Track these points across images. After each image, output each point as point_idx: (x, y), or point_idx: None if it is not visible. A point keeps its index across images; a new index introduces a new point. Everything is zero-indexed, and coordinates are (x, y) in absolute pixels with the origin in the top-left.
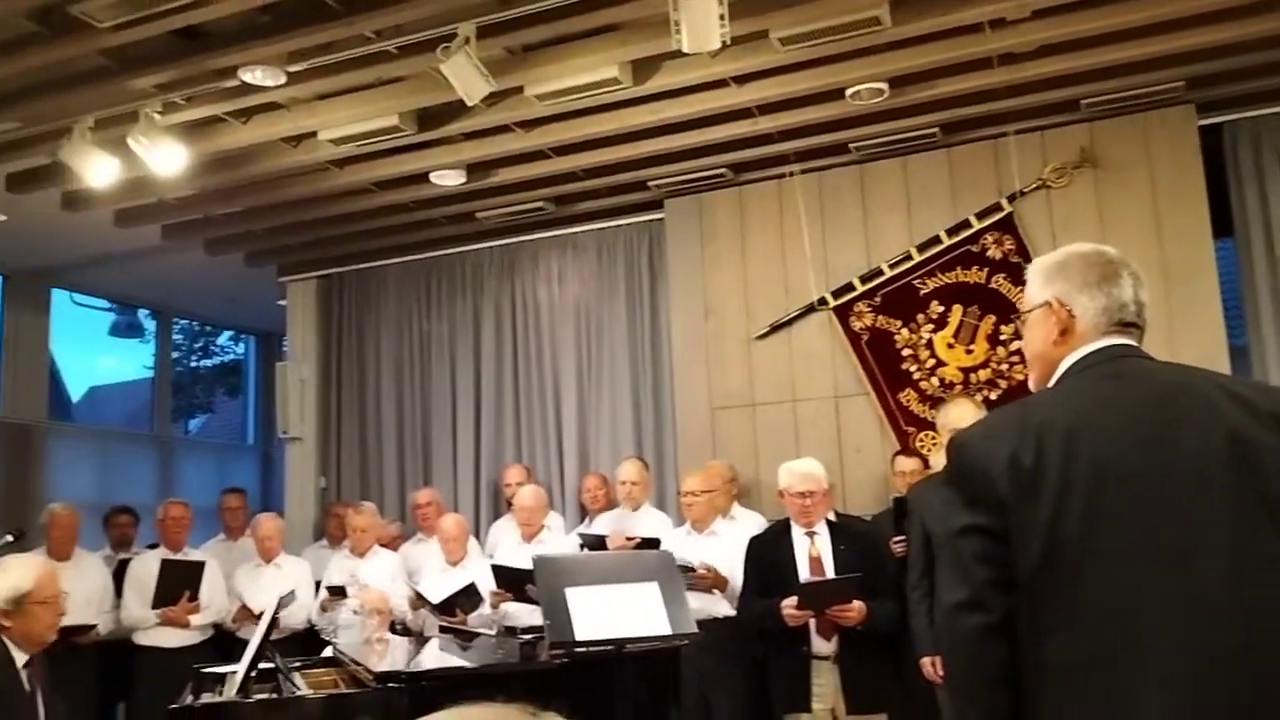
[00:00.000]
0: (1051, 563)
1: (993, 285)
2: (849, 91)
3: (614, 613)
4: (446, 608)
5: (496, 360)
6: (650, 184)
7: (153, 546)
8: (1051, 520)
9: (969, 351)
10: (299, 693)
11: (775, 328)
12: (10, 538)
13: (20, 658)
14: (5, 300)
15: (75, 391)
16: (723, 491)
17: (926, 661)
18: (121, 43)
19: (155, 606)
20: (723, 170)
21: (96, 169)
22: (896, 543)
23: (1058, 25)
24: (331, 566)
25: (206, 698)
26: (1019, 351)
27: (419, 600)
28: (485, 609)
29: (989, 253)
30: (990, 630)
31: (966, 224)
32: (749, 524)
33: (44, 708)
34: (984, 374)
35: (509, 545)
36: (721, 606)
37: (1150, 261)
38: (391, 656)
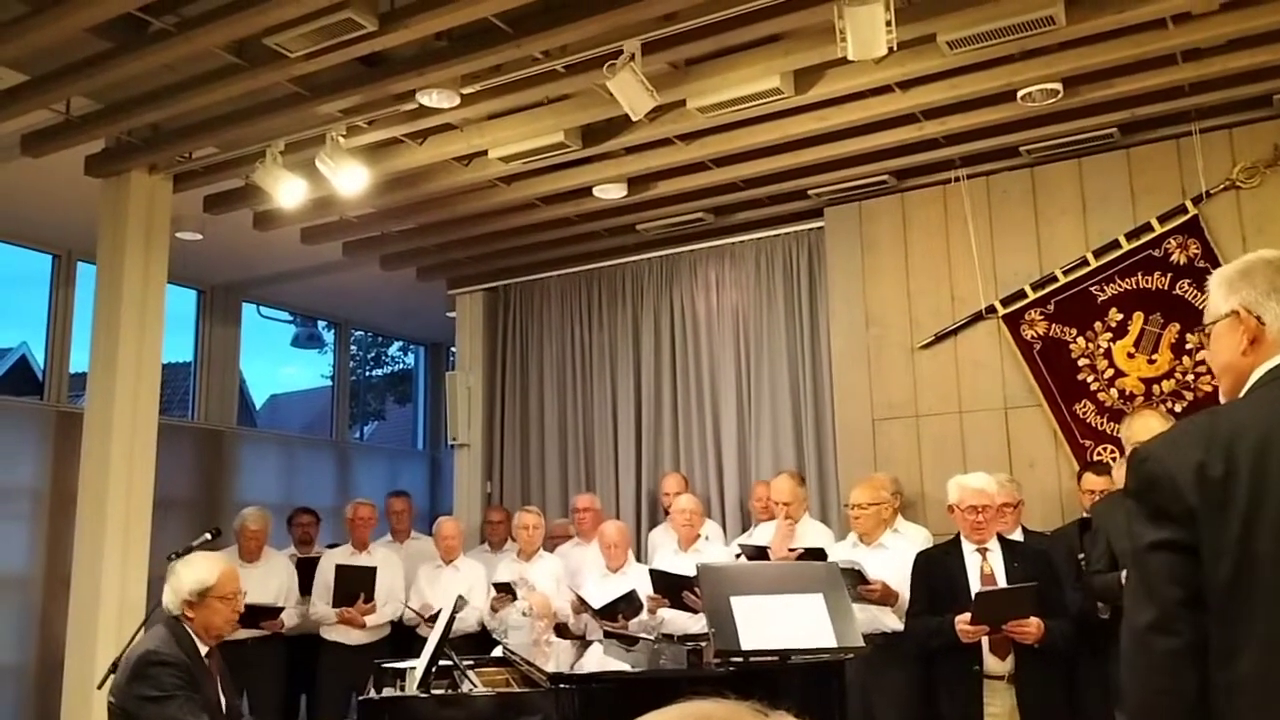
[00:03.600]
0: (1245, 579)
1: (1176, 291)
2: (1020, 93)
3: (779, 623)
4: (608, 613)
5: (655, 370)
6: (810, 192)
7: (332, 546)
8: (1243, 535)
9: (1151, 361)
10: (475, 690)
11: (940, 337)
12: (208, 536)
13: (202, 648)
14: (201, 313)
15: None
16: (888, 504)
17: None
18: (310, 70)
19: (334, 606)
20: (885, 177)
21: (286, 190)
22: (1081, 560)
23: (1249, 17)
24: (500, 570)
25: (388, 691)
26: (1205, 361)
27: (581, 604)
28: (644, 615)
29: (1173, 258)
30: (1183, 654)
31: (1148, 227)
32: (915, 538)
33: (223, 698)
34: (1168, 385)
35: (666, 553)
36: (889, 620)
37: None
38: (558, 659)
